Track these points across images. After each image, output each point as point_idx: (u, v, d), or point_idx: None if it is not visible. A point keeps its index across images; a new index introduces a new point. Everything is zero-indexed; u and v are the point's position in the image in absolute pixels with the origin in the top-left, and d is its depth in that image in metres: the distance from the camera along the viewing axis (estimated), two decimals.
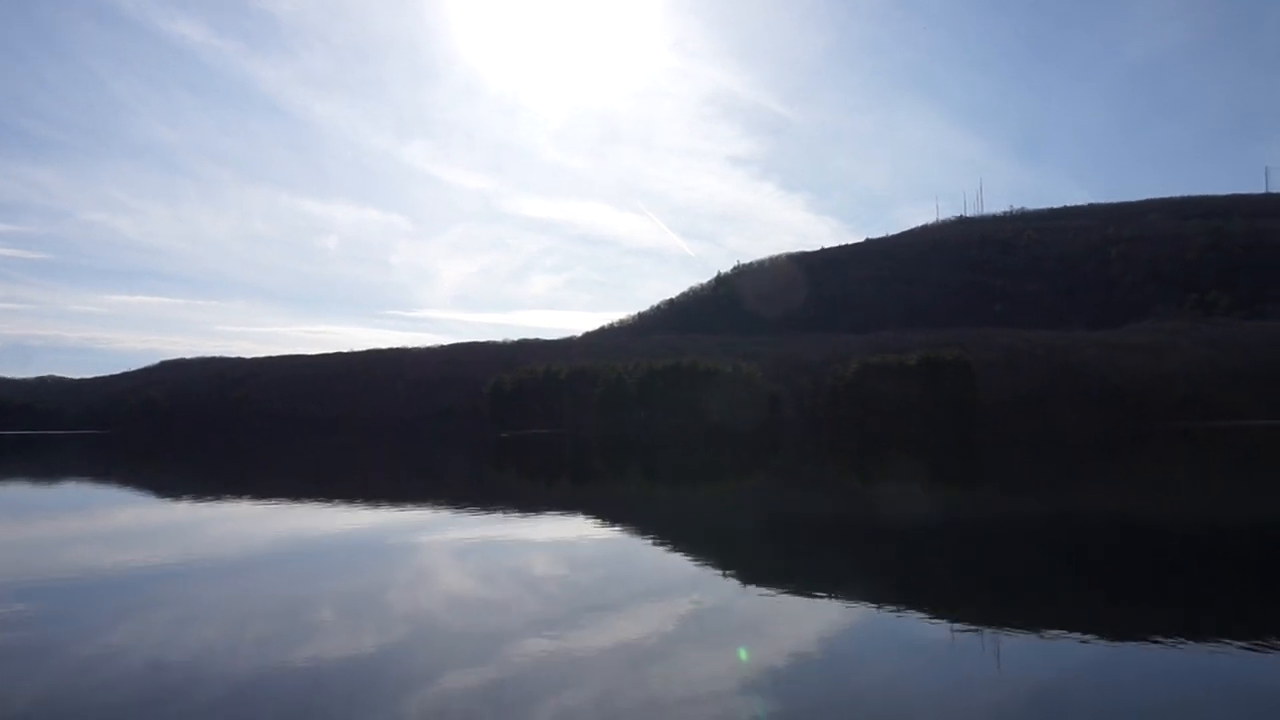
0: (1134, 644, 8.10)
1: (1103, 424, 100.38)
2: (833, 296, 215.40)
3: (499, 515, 20.26)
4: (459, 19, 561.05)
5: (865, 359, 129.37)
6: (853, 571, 12.56)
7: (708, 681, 6.97)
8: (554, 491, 29.53)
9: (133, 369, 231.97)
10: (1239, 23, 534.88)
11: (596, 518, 19.95)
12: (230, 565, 13.31)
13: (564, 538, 16.36)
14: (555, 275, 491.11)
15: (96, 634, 8.87)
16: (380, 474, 40.79)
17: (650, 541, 16.04)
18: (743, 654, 6.19)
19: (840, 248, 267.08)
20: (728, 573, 12.14)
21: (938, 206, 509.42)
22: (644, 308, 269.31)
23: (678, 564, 13.40)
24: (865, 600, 10.04)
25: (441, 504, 23.29)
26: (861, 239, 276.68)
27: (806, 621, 9.06)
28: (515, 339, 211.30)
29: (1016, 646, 8.06)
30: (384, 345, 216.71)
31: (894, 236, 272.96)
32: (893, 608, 9.65)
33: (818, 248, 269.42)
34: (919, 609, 9.54)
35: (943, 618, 9.16)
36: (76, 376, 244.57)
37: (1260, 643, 7.98)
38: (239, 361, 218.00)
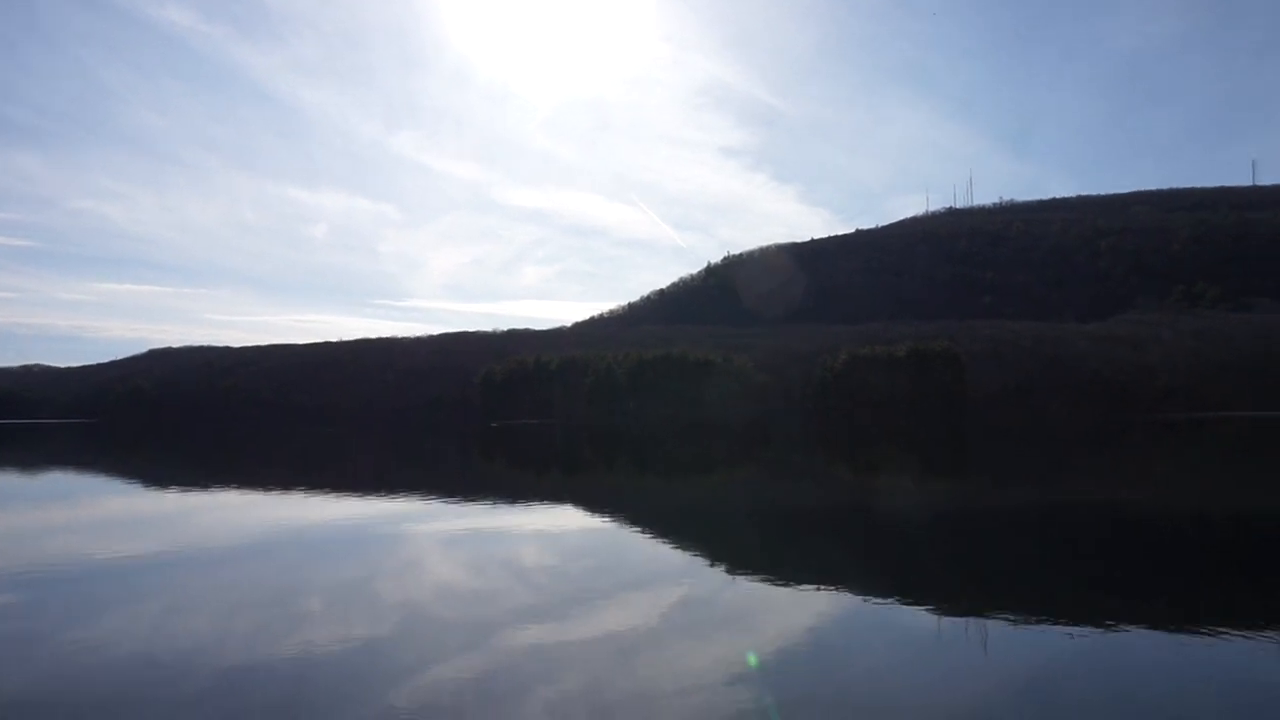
0: (1120, 633, 8.18)
1: (1090, 415, 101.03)
2: (823, 288, 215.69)
3: (488, 505, 20.27)
4: (449, 6, 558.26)
5: (854, 350, 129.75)
6: (841, 562, 12.63)
7: (696, 671, 7.01)
8: (544, 482, 29.55)
9: (120, 357, 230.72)
10: (1226, 15, 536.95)
11: (586, 508, 19.99)
12: (218, 555, 13.28)
13: (553, 528, 16.39)
14: (546, 266, 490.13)
15: (84, 625, 8.84)
16: (369, 464, 40.72)
17: (639, 532, 16.08)
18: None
19: (831, 239, 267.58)
20: (716, 563, 12.19)
21: (928, 198, 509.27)
22: (635, 298, 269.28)
23: (666, 554, 13.45)
24: (853, 590, 10.10)
25: (431, 494, 23.28)
26: (852, 230, 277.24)
27: (794, 612, 9.12)
28: (505, 329, 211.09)
29: (1003, 636, 8.13)
30: (373, 335, 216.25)
31: (884, 228, 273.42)
32: (880, 598, 9.72)
33: (808, 239, 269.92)
34: (907, 599, 9.61)
35: (930, 608, 9.23)
36: (64, 365, 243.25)
37: (1245, 632, 8.07)
38: (227, 350, 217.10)
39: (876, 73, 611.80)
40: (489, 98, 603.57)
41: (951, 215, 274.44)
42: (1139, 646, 7.77)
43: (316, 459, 44.39)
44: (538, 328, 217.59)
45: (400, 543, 14.69)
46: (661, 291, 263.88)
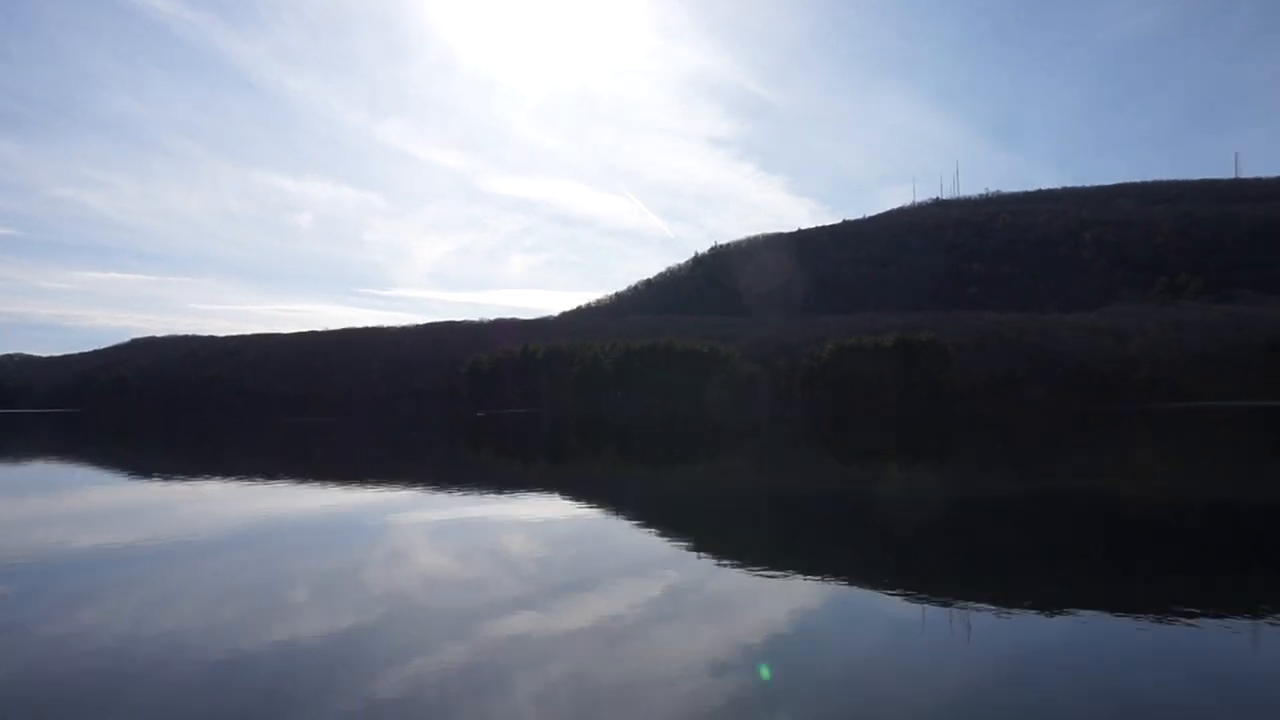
0: (1100, 619, 8.26)
1: (1073, 405, 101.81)
2: (811, 278, 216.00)
3: (475, 495, 20.25)
4: None
5: (841, 340, 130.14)
6: (826, 550, 12.69)
7: (682, 659, 7.04)
8: (530, 471, 29.54)
9: (103, 346, 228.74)
10: (1210, 9, 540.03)
11: (572, 497, 19.99)
12: (203, 546, 13.21)
13: (540, 517, 16.38)
14: (533, 255, 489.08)
15: (67, 615, 8.79)
16: (355, 453, 40.58)
17: (625, 521, 16.10)
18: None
19: (818, 229, 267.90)
20: (702, 551, 12.23)
21: (914, 189, 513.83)
22: (622, 288, 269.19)
23: (653, 543, 13.47)
24: (838, 578, 10.16)
25: (417, 484, 23.23)
26: (839, 221, 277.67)
27: (780, 599, 9.16)
28: (492, 318, 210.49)
29: (986, 623, 8.20)
30: (359, 324, 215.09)
31: (871, 218, 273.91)
32: (865, 586, 9.78)
33: (796, 229, 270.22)
34: (891, 586, 9.67)
35: (914, 595, 9.30)
36: (45, 354, 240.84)
37: (1220, 618, 8.18)
38: (211, 340, 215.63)
39: (864, 63, 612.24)
40: (475, 86, 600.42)
41: (938, 206, 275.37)
42: (1118, 632, 7.86)
43: (301, 449, 44.19)
44: (524, 317, 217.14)
45: (386, 533, 14.65)
46: (649, 281, 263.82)
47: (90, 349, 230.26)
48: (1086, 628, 8.01)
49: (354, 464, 33.60)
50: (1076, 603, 8.87)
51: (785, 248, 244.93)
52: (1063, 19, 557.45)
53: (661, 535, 14.12)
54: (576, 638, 7.68)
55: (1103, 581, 10.26)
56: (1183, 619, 8.15)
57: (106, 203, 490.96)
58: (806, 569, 10.69)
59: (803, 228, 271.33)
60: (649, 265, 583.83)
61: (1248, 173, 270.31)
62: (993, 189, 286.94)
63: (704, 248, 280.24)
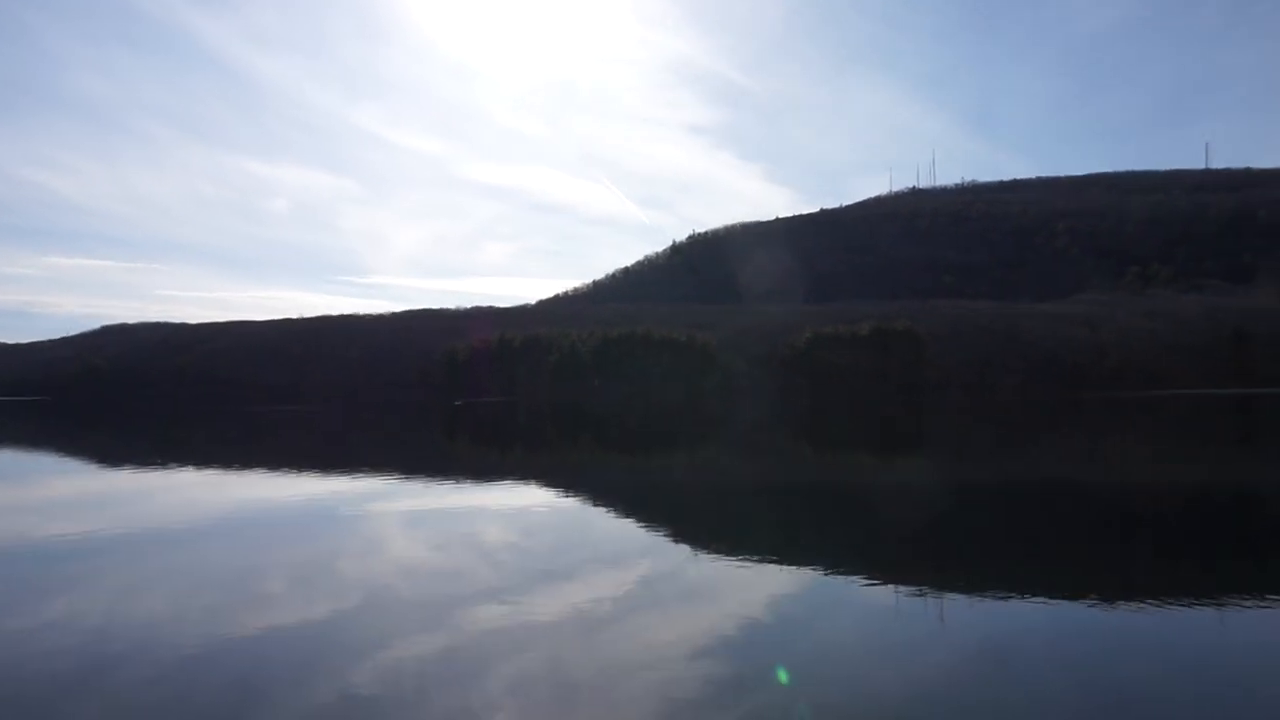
0: (1073, 605, 8.41)
1: (1046, 393, 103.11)
2: (788, 267, 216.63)
3: (452, 483, 20.21)
4: None
5: (818, 329, 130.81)
6: (802, 538, 12.80)
7: (659, 647, 7.08)
8: (507, 460, 29.50)
9: (73, 334, 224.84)
10: (1183, 1, 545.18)
11: (549, 486, 20.00)
12: (176, 535, 13.09)
13: (517, 505, 16.38)
14: (510, 242, 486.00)
15: (37, 605, 8.68)
16: (331, 442, 40.31)
17: (603, 509, 16.14)
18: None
19: (796, 218, 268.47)
20: (679, 539, 12.29)
21: (891, 178, 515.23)
22: (599, 276, 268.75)
23: (630, 531, 13.52)
24: (814, 565, 10.25)
25: (394, 472, 23.13)
26: (817, 209, 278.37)
27: (757, 587, 9.23)
28: (469, 306, 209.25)
29: (960, 609, 8.32)
30: (334, 311, 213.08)
31: (848, 207, 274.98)
32: (841, 572, 9.87)
33: (774, 217, 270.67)
34: (867, 573, 9.77)
35: (889, 581, 9.41)
36: (11, 341, 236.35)
37: (1188, 602, 8.35)
38: (184, 327, 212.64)
39: (842, 52, 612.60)
40: (453, 71, 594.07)
41: (915, 195, 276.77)
42: (1090, 618, 8.00)
43: (276, 437, 43.83)
44: (501, 305, 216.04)
45: (362, 522, 14.59)
46: (626, 269, 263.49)
47: (59, 336, 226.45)
48: (1059, 614, 8.15)
49: (329, 453, 33.39)
50: (1049, 589, 9.02)
51: (763, 236, 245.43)
52: (1038, 10, 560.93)
53: (638, 524, 14.17)
54: (553, 626, 7.70)
55: (1075, 568, 10.44)
56: (1154, 604, 8.31)
57: (73, 186, 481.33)
58: (782, 557, 10.78)
59: (780, 216, 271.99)
60: (627, 253, 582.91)
61: (1218, 163, 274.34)
62: (969, 178, 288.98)
63: (682, 236, 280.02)
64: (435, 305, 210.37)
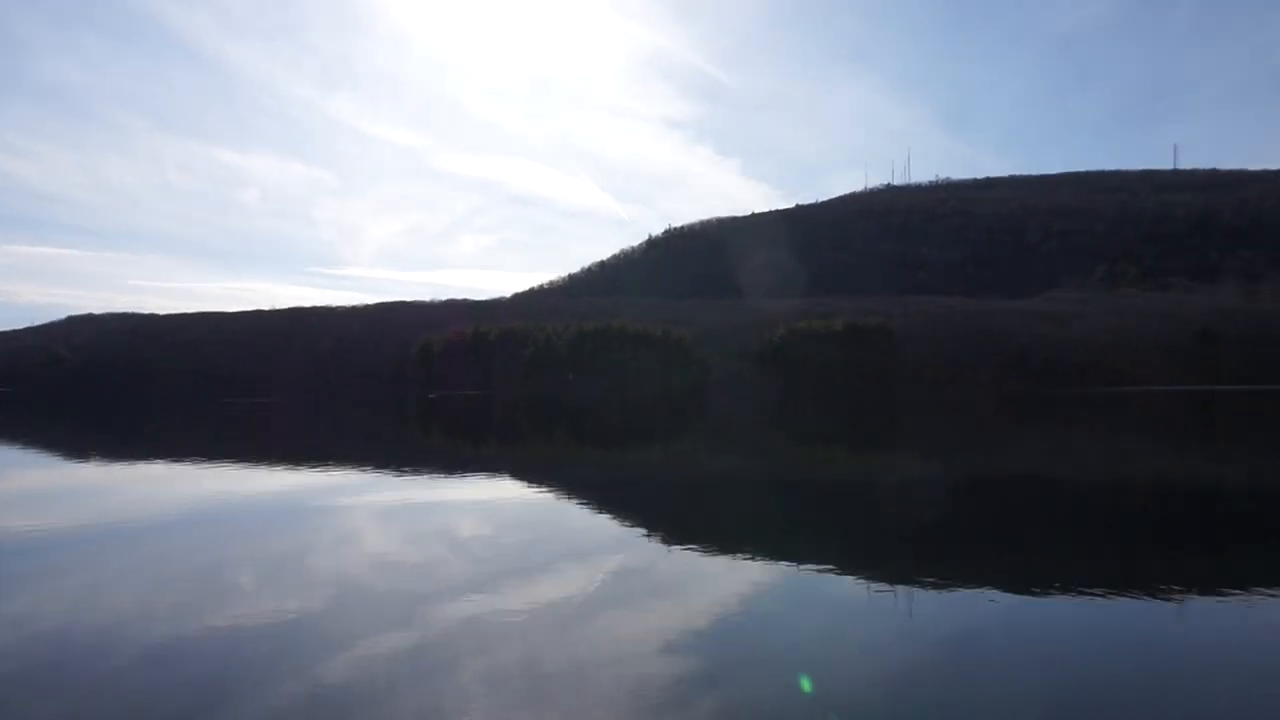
0: (1037, 597, 8.53)
1: (1016, 389, 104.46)
2: (764, 262, 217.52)
3: (425, 477, 20.09)
4: None
5: (792, 324, 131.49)
6: (775, 532, 12.86)
7: (632, 641, 7.09)
8: (481, 453, 29.38)
9: (37, 323, 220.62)
10: (1154, 3, 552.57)
11: (523, 480, 19.94)
12: (142, 529, 12.90)
13: (490, 499, 16.33)
14: (485, 235, 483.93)
15: None
16: (302, 435, 39.92)
17: (577, 503, 16.13)
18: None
19: (771, 213, 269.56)
20: (653, 534, 12.31)
21: (867, 174, 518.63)
22: (575, 269, 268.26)
23: (604, 525, 13.52)
24: (786, 559, 10.30)
25: (366, 466, 22.96)
26: (793, 205, 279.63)
27: (729, 581, 9.27)
28: (444, 299, 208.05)
29: (930, 601, 8.41)
30: (307, 303, 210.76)
31: (824, 203, 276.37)
32: (813, 566, 9.93)
33: (749, 213, 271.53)
34: (838, 567, 9.84)
35: (861, 576, 9.49)
36: None
37: (1151, 593, 8.50)
38: (153, 318, 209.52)
39: (819, 48, 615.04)
40: (428, 63, 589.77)
41: (890, 192, 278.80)
42: (1056, 609, 8.12)
43: (247, 430, 43.34)
44: (476, 298, 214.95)
45: (334, 515, 14.46)
46: (603, 263, 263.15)
47: (23, 325, 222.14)
48: (1025, 606, 8.27)
49: (301, 446, 33.06)
50: (1016, 582, 9.14)
51: (739, 231, 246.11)
52: (1013, 9, 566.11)
53: (612, 518, 14.17)
54: (526, 621, 7.69)
55: (1041, 561, 10.58)
56: (1117, 595, 8.45)
57: (39, 174, 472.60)
58: (754, 551, 10.83)
59: (757, 211, 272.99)
60: (603, 247, 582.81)
61: (1185, 164, 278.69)
62: (943, 175, 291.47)
63: (658, 230, 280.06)
64: (410, 298, 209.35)
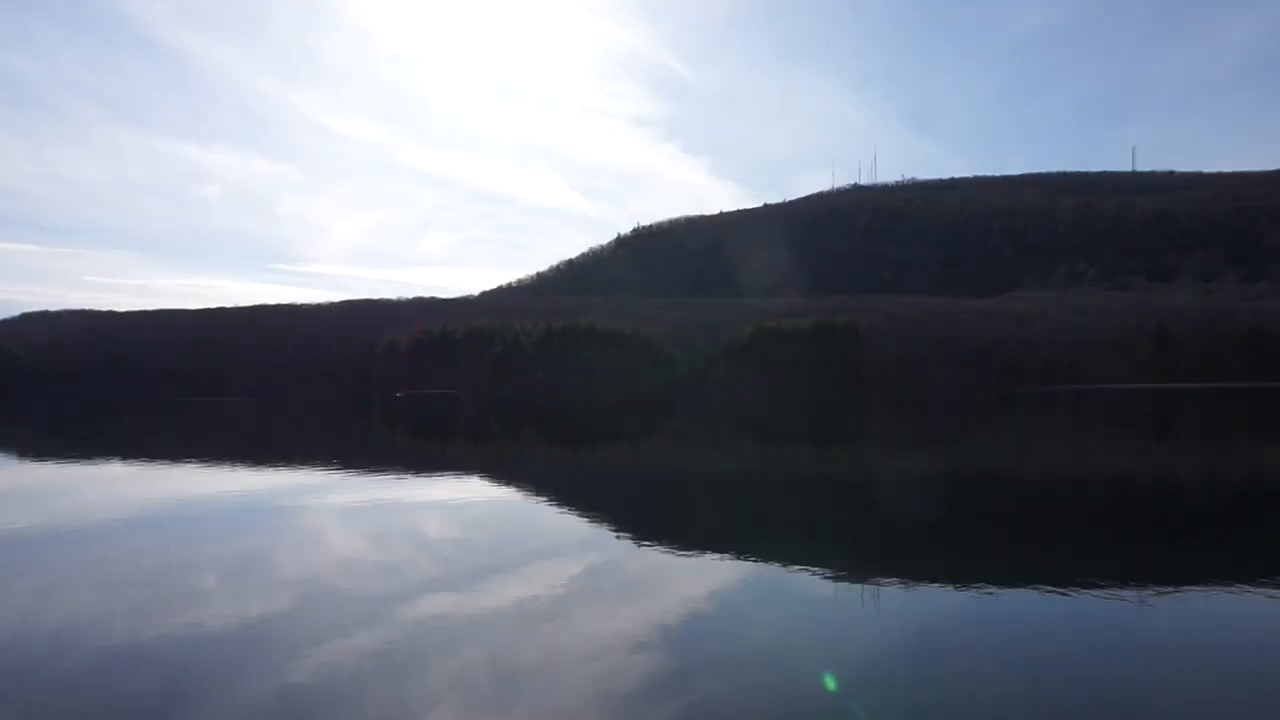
0: (1003, 591, 8.66)
1: (979, 387, 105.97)
2: (731, 260, 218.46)
3: (392, 477, 19.91)
4: None
5: (760, 323, 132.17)
6: (743, 529, 12.93)
7: (600, 639, 7.09)
8: (449, 453, 29.19)
9: None
10: (1113, 5, 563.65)
11: (491, 479, 19.86)
12: (101, 530, 12.65)
13: (458, 499, 16.23)
14: (453, 232, 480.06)
15: None
16: (266, 435, 39.38)
17: (545, 502, 16.09)
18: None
19: (739, 212, 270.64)
20: (621, 532, 12.31)
21: (834, 174, 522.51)
22: (543, 267, 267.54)
23: (572, 524, 13.50)
24: (754, 556, 10.36)
25: (332, 466, 22.71)
26: (760, 204, 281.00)
27: (698, 578, 9.30)
28: (410, 296, 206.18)
29: (895, 597, 8.51)
30: (271, 301, 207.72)
31: (791, 202, 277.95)
32: (780, 563, 10.00)
33: (717, 211, 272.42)
34: (804, 564, 9.91)
35: (827, 571, 9.57)
36: None
37: (1108, 588, 8.67)
38: (111, 315, 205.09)
39: (787, 47, 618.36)
40: (394, 58, 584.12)
41: (857, 191, 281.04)
42: (1016, 603, 8.26)
43: (210, 430, 42.65)
44: (443, 296, 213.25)
45: (298, 515, 14.29)
46: (571, 261, 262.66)
47: None
48: (990, 599, 8.39)
49: (264, 445, 32.62)
50: (981, 576, 9.27)
51: (707, 230, 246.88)
52: (976, 11, 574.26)
53: (581, 516, 14.16)
54: (495, 619, 7.65)
55: (1004, 555, 10.76)
56: (1079, 589, 8.60)
57: None
58: (723, 548, 10.87)
59: (724, 210, 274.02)
60: (571, 245, 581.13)
61: (1144, 166, 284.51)
62: (908, 175, 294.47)
63: (626, 228, 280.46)
64: (376, 295, 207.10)
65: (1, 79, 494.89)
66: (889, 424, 42.90)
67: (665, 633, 7.27)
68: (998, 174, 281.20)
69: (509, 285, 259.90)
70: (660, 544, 11.21)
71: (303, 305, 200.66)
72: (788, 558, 10.22)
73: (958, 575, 9.34)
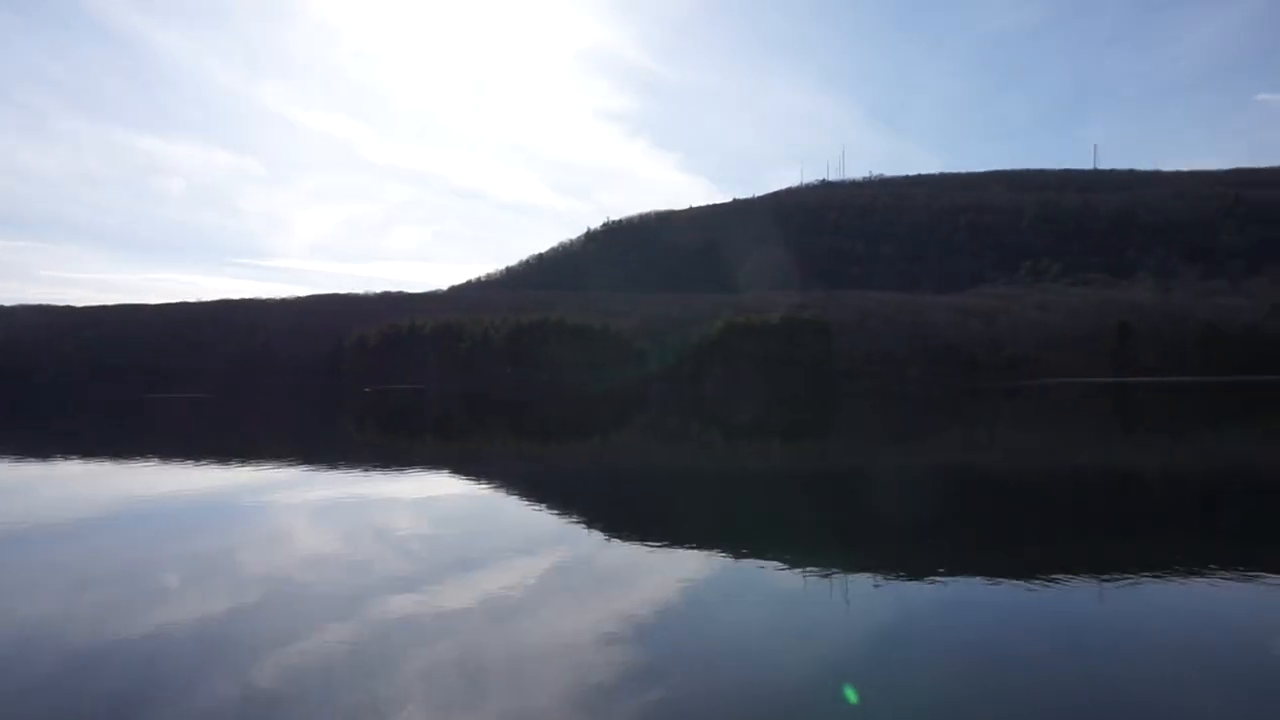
0: (968, 583, 8.81)
1: (946, 381, 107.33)
2: (701, 256, 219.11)
3: (361, 473, 19.74)
4: None
5: (730, 318, 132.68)
6: (712, 522, 13.00)
7: (570, 634, 7.11)
8: (418, 448, 28.99)
9: None
10: (1079, 6, 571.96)
11: (461, 474, 19.77)
12: (62, 530, 12.42)
13: (428, 494, 16.14)
14: (422, 227, 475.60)
15: None
16: (231, 430, 38.83)
17: (515, 497, 16.05)
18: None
19: (709, 207, 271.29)
20: (592, 527, 12.33)
21: (802, 170, 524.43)
22: (513, 262, 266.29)
23: (543, 519, 13.49)
24: (723, 550, 10.43)
25: (300, 462, 22.46)
26: (730, 199, 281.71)
27: (668, 572, 9.35)
28: (379, 291, 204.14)
29: (863, 590, 8.62)
30: (235, 295, 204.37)
31: (760, 198, 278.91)
32: (749, 556, 10.08)
33: (687, 206, 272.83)
34: (775, 558, 10.00)
35: (797, 565, 9.65)
36: None
37: (1067, 577, 8.86)
38: (70, 310, 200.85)
39: (757, 44, 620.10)
40: (362, 50, 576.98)
41: (825, 187, 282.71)
42: (980, 594, 8.40)
43: (173, 427, 41.97)
44: (412, 291, 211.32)
45: (266, 513, 14.12)
46: (541, 256, 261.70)
47: None
48: (955, 592, 8.52)
49: (228, 442, 32.17)
50: (946, 569, 9.41)
51: (677, 225, 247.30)
52: (945, 10, 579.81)
53: (551, 511, 14.15)
54: (465, 615, 7.64)
55: (969, 549, 10.93)
56: (1041, 581, 8.77)
57: None
58: (693, 542, 10.94)
59: (694, 205, 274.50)
60: (541, 240, 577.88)
61: (1105, 164, 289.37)
62: (876, 172, 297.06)
63: (597, 223, 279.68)
64: (344, 290, 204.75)
65: None
66: (858, 419, 43.31)
67: (635, 627, 7.30)
68: (964, 171, 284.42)
69: (479, 280, 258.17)
70: (630, 538, 11.25)
71: (268, 300, 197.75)
72: (756, 551, 10.29)
73: (925, 567, 9.47)
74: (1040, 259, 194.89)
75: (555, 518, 13.51)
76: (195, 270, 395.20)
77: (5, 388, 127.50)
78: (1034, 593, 8.38)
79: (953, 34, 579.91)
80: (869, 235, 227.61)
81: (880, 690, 5.83)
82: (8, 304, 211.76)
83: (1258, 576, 8.92)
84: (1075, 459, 22.69)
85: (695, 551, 10.42)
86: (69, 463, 23.15)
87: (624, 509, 14.82)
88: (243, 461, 22.63)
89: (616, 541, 11.18)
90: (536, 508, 14.72)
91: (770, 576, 9.21)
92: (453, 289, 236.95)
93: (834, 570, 9.40)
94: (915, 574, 9.23)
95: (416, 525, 12.68)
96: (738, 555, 10.19)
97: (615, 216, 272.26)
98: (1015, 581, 8.82)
